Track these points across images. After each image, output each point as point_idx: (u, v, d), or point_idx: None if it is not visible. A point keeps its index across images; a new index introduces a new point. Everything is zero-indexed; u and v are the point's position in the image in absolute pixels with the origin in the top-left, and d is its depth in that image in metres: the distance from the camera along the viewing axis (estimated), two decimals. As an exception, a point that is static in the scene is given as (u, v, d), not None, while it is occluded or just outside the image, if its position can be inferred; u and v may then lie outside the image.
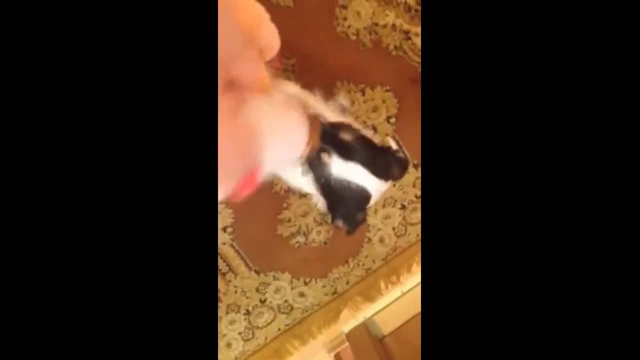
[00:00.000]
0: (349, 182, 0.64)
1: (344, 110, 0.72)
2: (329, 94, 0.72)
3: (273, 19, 0.66)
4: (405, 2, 1.06)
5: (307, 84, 0.73)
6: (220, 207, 1.12)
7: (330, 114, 0.68)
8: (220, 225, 1.15)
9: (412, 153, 1.16)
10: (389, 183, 0.69)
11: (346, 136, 0.62)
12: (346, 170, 0.63)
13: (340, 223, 0.71)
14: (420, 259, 1.26)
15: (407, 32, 1.10)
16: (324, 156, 0.62)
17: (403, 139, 1.16)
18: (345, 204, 0.68)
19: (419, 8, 1.08)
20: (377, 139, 0.68)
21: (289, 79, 0.85)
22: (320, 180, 0.64)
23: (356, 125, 0.67)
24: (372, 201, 0.69)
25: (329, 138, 0.62)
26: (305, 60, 1.08)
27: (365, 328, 1.27)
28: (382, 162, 0.65)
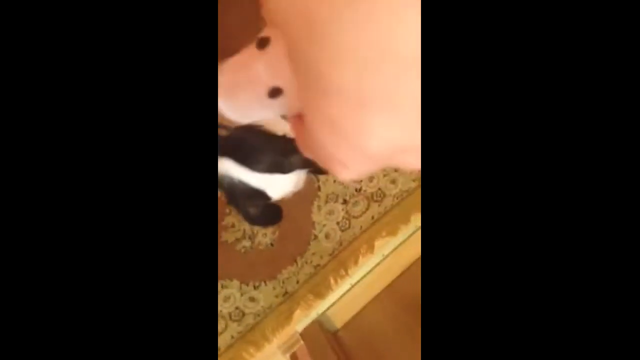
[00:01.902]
0: (222, 176, 0.61)
1: None
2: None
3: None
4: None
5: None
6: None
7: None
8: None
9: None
10: (296, 173, 0.65)
11: (222, 131, 0.61)
12: (221, 165, 0.61)
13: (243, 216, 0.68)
14: (367, 250, 1.29)
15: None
16: None
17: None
18: (232, 199, 0.66)
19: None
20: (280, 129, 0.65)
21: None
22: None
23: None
24: (277, 194, 0.65)
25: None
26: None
27: (319, 324, 1.28)
28: (276, 154, 0.62)
